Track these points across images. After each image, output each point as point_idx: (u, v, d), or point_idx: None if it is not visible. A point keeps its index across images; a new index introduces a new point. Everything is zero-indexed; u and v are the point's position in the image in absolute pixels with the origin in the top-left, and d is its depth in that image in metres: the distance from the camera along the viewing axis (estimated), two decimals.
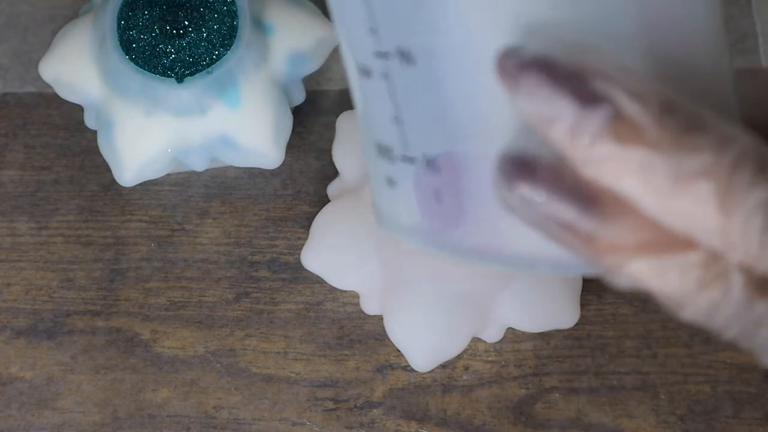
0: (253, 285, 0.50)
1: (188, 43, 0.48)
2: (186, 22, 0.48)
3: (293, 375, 0.48)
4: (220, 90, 0.48)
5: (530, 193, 0.24)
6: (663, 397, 0.47)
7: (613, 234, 0.24)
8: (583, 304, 0.48)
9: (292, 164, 0.51)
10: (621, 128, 0.23)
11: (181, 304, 0.49)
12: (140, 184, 0.51)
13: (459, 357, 0.48)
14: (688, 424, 0.47)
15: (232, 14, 0.48)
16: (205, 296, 0.49)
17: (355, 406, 0.47)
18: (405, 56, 0.25)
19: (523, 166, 0.24)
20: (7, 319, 0.49)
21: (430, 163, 0.26)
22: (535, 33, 0.24)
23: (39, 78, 0.53)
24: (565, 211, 0.24)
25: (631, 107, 0.23)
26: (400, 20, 0.25)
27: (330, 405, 0.47)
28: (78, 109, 0.52)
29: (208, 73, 0.48)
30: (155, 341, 0.49)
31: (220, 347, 0.48)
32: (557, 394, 0.47)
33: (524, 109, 0.24)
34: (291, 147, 0.51)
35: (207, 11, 0.48)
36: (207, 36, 0.48)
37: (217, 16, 0.48)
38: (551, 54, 0.23)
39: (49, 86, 0.52)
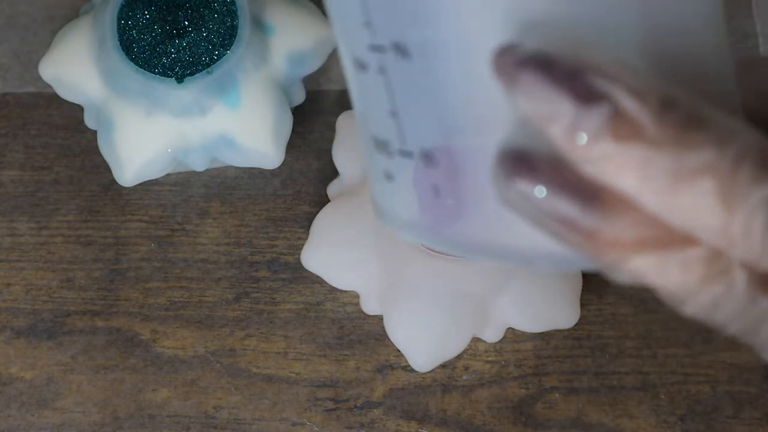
0: (253, 285, 0.50)
1: (188, 43, 0.48)
2: (186, 22, 0.48)
3: (293, 375, 0.48)
4: (220, 90, 0.48)
5: (530, 188, 0.24)
6: (663, 397, 0.47)
7: (615, 230, 0.23)
8: (583, 304, 0.48)
9: (292, 164, 0.51)
10: (620, 126, 0.22)
11: (181, 304, 0.49)
12: (140, 184, 0.51)
13: (459, 357, 0.48)
14: (688, 424, 0.47)
15: (232, 14, 0.48)
16: (205, 296, 0.49)
17: (355, 406, 0.47)
18: (401, 50, 0.25)
19: (523, 161, 0.24)
20: (7, 319, 0.49)
21: (428, 157, 0.26)
22: (533, 29, 0.24)
23: (39, 78, 0.53)
24: (565, 207, 0.23)
25: (629, 104, 0.23)
26: (395, 13, 0.25)
27: (330, 405, 0.47)
28: (78, 109, 0.52)
29: (208, 73, 0.48)
30: (155, 341, 0.49)
31: (220, 347, 0.48)
32: (557, 394, 0.47)
33: (522, 107, 0.23)
34: (291, 147, 0.51)
35: (207, 11, 0.48)
36: (207, 36, 0.48)
37: (217, 16, 0.48)
38: (549, 51, 0.23)
39: (49, 86, 0.52)
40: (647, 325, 0.49)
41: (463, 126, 0.25)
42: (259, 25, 0.49)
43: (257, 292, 0.49)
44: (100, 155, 0.51)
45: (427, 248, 0.44)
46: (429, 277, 0.45)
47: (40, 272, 0.50)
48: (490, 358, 0.48)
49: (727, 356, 0.48)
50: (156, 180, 0.51)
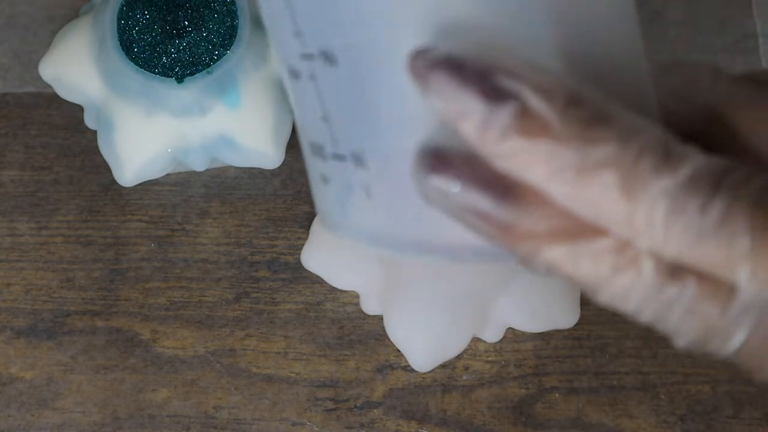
0: (253, 285, 0.50)
1: (188, 43, 0.48)
2: (186, 22, 0.48)
3: (293, 375, 0.48)
4: (220, 90, 0.48)
5: (445, 184, 0.25)
6: (663, 397, 0.47)
7: (527, 222, 0.24)
8: (583, 304, 0.48)
9: (292, 164, 0.51)
10: (527, 123, 0.24)
11: (181, 304, 0.49)
12: (140, 184, 0.51)
13: (459, 357, 0.48)
14: (688, 424, 0.47)
15: (232, 14, 0.48)
16: (205, 296, 0.49)
17: (355, 406, 0.47)
18: (328, 57, 0.26)
19: (438, 158, 0.25)
20: (7, 319, 0.49)
21: (358, 160, 0.27)
22: (448, 34, 0.25)
23: (39, 78, 0.53)
24: (479, 201, 0.24)
25: (536, 102, 0.24)
26: (320, 23, 0.26)
27: (330, 405, 0.47)
28: (78, 109, 0.52)
29: (208, 73, 0.48)
30: (155, 341, 0.49)
31: (220, 347, 0.48)
32: (557, 394, 0.47)
33: (435, 107, 0.24)
34: (291, 147, 0.51)
35: (207, 11, 0.48)
36: (207, 36, 0.48)
37: (217, 16, 0.48)
38: (459, 53, 0.24)
39: (49, 86, 0.52)
40: (647, 325, 0.48)
41: (389, 128, 0.26)
42: (259, 25, 0.49)
43: (257, 292, 0.49)
44: (100, 155, 0.51)
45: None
46: (429, 277, 0.45)
47: (40, 272, 0.50)
48: (490, 358, 0.48)
49: None
50: (156, 180, 0.51)
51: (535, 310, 0.46)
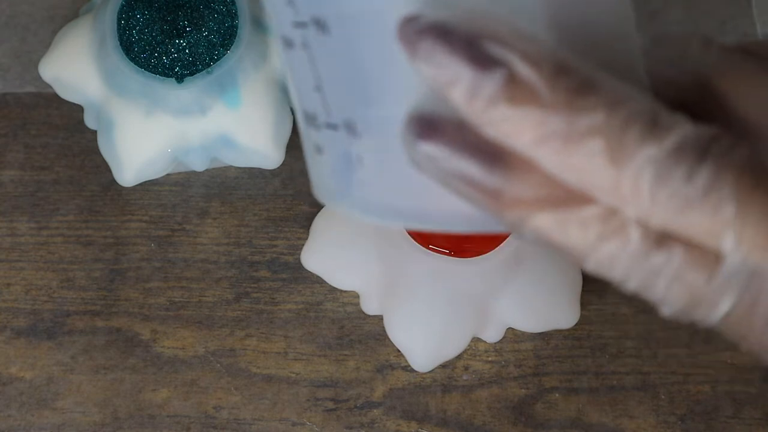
0: (253, 285, 0.50)
1: (188, 43, 0.48)
2: (186, 22, 0.48)
3: (293, 375, 0.48)
4: (220, 90, 0.48)
5: (434, 150, 0.25)
6: (663, 397, 0.47)
7: (516, 189, 0.25)
8: (583, 304, 0.48)
9: (292, 164, 0.51)
10: (515, 90, 0.24)
11: (181, 304, 0.49)
12: (140, 184, 0.51)
13: (459, 357, 0.48)
14: (688, 424, 0.47)
15: (232, 14, 0.48)
16: (205, 296, 0.49)
17: (355, 406, 0.47)
18: (320, 25, 0.26)
19: (427, 125, 0.25)
20: (7, 319, 0.49)
21: (351, 128, 0.27)
22: (437, 2, 0.25)
23: (39, 78, 0.53)
24: (468, 167, 0.25)
25: (524, 70, 0.24)
26: None
27: (330, 405, 0.47)
28: (78, 109, 0.52)
29: (208, 73, 0.48)
30: (155, 341, 0.49)
31: (220, 347, 0.48)
32: (557, 394, 0.47)
33: (424, 74, 0.25)
34: (291, 147, 0.51)
35: (207, 11, 0.48)
36: (207, 36, 0.48)
37: (217, 16, 0.48)
38: (448, 20, 0.24)
39: (49, 86, 0.52)
40: (647, 325, 0.49)
41: (380, 96, 0.26)
42: (259, 25, 0.49)
43: (257, 292, 0.49)
44: (100, 155, 0.51)
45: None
46: (429, 277, 0.45)
47: (40, 272, 0.50)
48: (490, 358, 0.48)
49: (727, 356, 0.48)
50: (156, 180, 0.51)
51: (535, 310, 0.46)
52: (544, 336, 0.48)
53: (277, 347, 0.48)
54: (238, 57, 0.48)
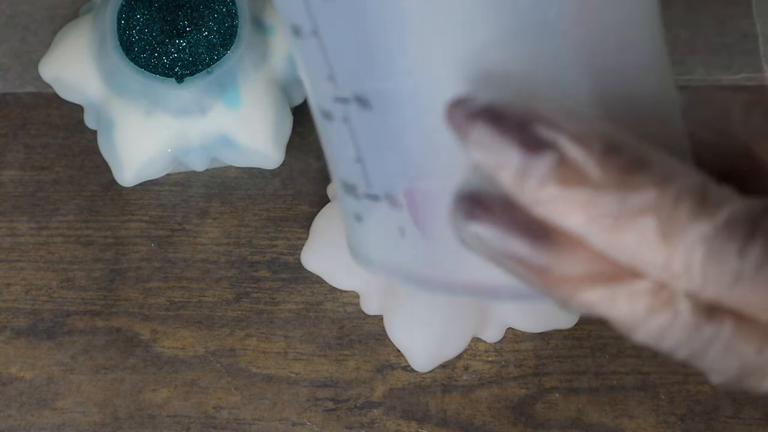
0: (253, 285, 0.50)
1: (188, 43, 0.48)
2: (186, 22, 0.48)
3: (293, 375, 0.48)
4: (220, 90, 0.48)
5: (483, 230, 0.25)
6: (663, 397, 0.47)
7: (564, 267, 0.25)
8: None
9: (292, 164, 0.51)
10: (565, 172, 0.24)
11: (181, 304, 0.49)
12: (140, 184, 0.51)
13: (459, 357, 0.48)
14: (688, 424, 0.47)
15: (232, 14, 0.48)
16: (205, 296, 0.49)
17: (355, 406, 0.47)
18: (361, 101, 0.26)
19: (476, 204, 0.25)
20: (7, 319, 0.49)
21: (392, 201, 0.27)
22: (486, 82, 0.25)
23: (39, 78, 0.53)
24: (517, 246, 0.25)
25: (574, 151, 0.24)
26: (353, 68, 0.26)
27: (330, 405, 0.47)
28: (78, 109, 0.52)
29: (208, 73, 0.48)
30: (155, 341, 0.49)
31: (220, 347, 0.48)
32: (557, 394, 0.47)
33: (474, 157, 0.25)
34: (291, 147, 0.51)
35: (207, 11, 0.48)
36: (207, 36, 0.48)
37: (217, 16, 0.48)
38: (498, 103, 0.24)
39: (49, 86, 0.52)
40: None
41: (422, 171, 0.26)
42: (259, 25, 0.49)
43: (257, 292, 0.49)
44: (100, 155, 0.51)
45: None
46: None
47: (40, 272, 0.50)
48: (490, 358, 0.48)
49: None
50: (156, 180, 0.51)
51: (535, 310, 0.46)
52: (544, 336, 0.48)
53: (277, 347, 0.48)
54: (238, 57, 0.48)
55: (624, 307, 0.24)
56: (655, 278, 0.24)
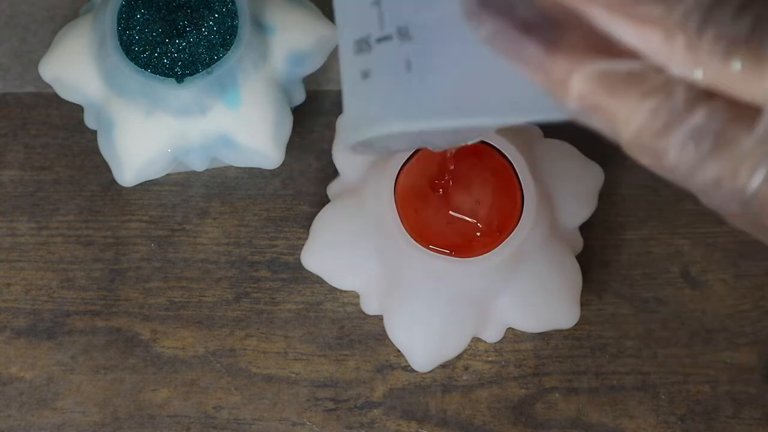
0: (253, 285, 0.50)
1: (188, 43, 0.48)
2: (186, 22, 0.48)
3: (293, 375, 0.48)
4: (220, 90, 0.48)
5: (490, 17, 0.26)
6: (663, 397, 0.47)
7: (566, 38, 0.26)
8: (583, 304, 0.48)
9: (292, 164, 0.51)
10: None
11: (181, 304, 0.49)
12: (140, 184, 0.51)
13: (459, 357, 0.48)
14: (688, 424, 0.47)
15: (232, 14, 0.48)
16: (205, 296, 0.49)
17: (355, 406, 0.47)
18: None
19: None
20: (7, 319, 0.49)
21: (403, 33, 0.29)
22: None
23: (39, 78, 0.53)
24: (526, 12, 0.26)
25: None
26: None
27: (330, 405, 0.47)
28: (78, 109, 0.52)
29: (208, 73, 0.48)
30: (155, 341, 0.49)
31: (220, 347, 0.48)
32: (557, 394, 0.47)
33: None
34: (291, 147, 0.51)
35: (207, 11, 0.48)
36: (207, 36, 0.48)
37: (217, 16, 0.48)
38: None
39: (49, 86, 0.52)
40: (647, 325, 0.49)
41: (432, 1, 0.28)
42: (259, 25, 0.49)
43: (257, 292, 0.49)
44: (100, 155, 0.51)
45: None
46: (429, 277, 0.45)
47: (40, 272, 0.50)
48: (490, 358, 0.48)
49: (727, 356, 0.48)
50: (156, 180, 0.51)
51: (535, 310, 0.46)
52: (544, 336, 0.48)
53: (277, 347, 0.48)
54: (238, 57, 0.48)
55: (620, 90, 0.25)
56: (650, 61, 0.25)
